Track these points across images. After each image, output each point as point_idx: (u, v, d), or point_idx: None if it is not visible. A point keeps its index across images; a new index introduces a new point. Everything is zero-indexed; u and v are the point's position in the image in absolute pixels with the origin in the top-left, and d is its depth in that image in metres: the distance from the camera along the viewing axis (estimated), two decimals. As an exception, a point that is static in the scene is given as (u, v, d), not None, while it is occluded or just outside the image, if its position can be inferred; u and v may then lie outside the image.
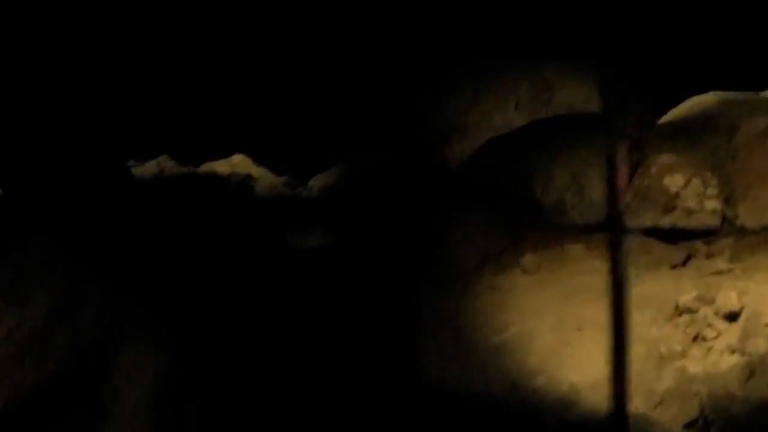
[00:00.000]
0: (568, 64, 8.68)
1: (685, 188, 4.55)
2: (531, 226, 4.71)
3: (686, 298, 3.78)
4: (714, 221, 4.54)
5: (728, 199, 4.55)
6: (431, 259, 4.47)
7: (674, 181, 4.56)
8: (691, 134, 4.88)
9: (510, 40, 8.52)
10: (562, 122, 5.00)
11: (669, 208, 4.55)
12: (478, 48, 8.97)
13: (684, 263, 4.30)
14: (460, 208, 4.52)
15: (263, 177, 5.25)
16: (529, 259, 4.28)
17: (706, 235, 4.52)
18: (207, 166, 5.38)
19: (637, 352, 3.36)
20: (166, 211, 4.19)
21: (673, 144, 4.82)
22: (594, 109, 8.71)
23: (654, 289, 4.00)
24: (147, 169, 5.27)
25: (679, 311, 3.51)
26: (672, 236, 4.48)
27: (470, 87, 9.05)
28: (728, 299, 3.40)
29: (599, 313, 3.14)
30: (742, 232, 4.47)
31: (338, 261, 4.52)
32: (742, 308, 3.43)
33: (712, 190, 4.56)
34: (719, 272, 4.02)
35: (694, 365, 3.57)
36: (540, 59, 8.73)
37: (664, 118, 5.04)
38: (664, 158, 4.61)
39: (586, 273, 4.39)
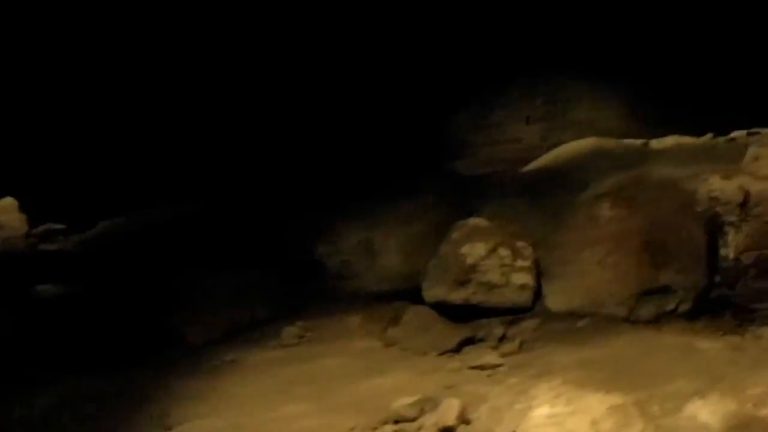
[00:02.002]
0: (585, 81, 8.69)
1: (488, 259, 4.04)
2: (310, 292, 3.84)
3: (405, 402, 3.00)
4: (521, 298, 4.04)
5: (543, 274, 4.05)
6: (164, 332, 3.62)
7: (474, 251, 4.07)
8: (535, 190, 4.53)
9: (528, 56, 8.43)
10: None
11: (463, 281, 4.05)
12: (493, 63, 8.94)
13: (458, 349, 3.77)
14: (207, 271, 3.75)
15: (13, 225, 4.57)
16: (289, 331, 3.47)
17: (514, 312, 4.01)
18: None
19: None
20: None
21: (500, 203, 4.48)
22: (609, 126, 8.49)
23: (394, 382, 3.43)
24: None
25: (392, 418, 2.61)
26: (467, 313, 4.01)
27: (482, 101, 9.26)
28: (449, 410, 2.54)
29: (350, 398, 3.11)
30: (547, 314, 3.98)
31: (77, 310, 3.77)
32: (460, 424, 2.51)
33: (523, 262, 4.05)
34: (484, 367, 3.46)
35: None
36: (556, 76, 8.79)
37: (528, 167, 4.56)
38: (471, 222, 4.18)
39: (352, 353, 3.89)
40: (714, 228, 3.65)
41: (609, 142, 4.29)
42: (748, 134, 4.35)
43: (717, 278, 3.67)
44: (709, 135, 4.35)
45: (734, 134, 4.40)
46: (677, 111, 8.21)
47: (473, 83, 9.54)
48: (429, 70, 9.04)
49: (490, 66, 9.33)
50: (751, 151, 3.66)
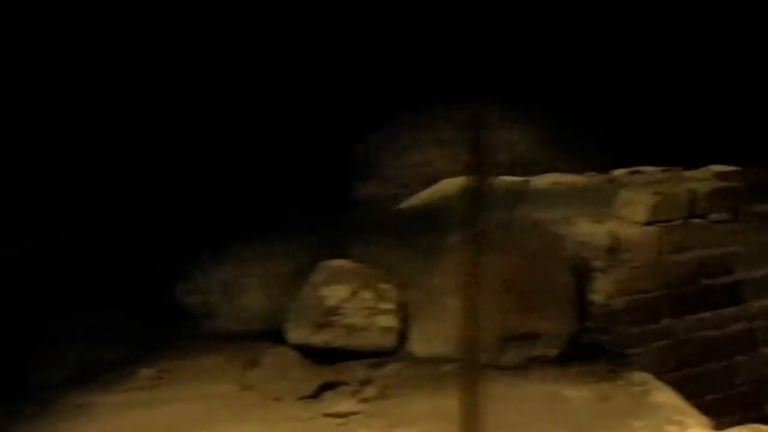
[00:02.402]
0: (498, 105, 8.83)
1: (350, 301, 3.90)
2: (170, 333, 3.64)
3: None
4: (386, 341, 3.88)
5: (410, 317, 3.93)
6: (12, 373, 3.91)
7: (335, 293, 3.92)
8: (408, 229, 4.40)
9: (440, 79, 8.54)
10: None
11: (323, 324, 3.89)
12: (404, 85, 9.02)
13: (316, 395, 3.60)
14: (65, 310, 3.56)
15: None
16: (145, 373, 3.28)
17: (379, 355, 3.87)
18: None
19: None
20: None
21: (371, 242, 4.31)
22: (520, 151, 8.45)
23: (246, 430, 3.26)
24: None
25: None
26: (331, 356, 3.87)
27: (393, 123, 9.58)
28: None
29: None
30: (411, 359, 3.85)
31: None
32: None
33: (387, 305, 3.90)
34: (339, 415, 3.35)
35: None
36: (469, 100, 8.51)
37: (406, 203, 4.51)
38: (333, 263, 4.04)
39: (208, 397, 3.70)
40: (583, 273, 3.57)
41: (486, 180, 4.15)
42: (631, 173, 4.28)
43: (588, 324, 3.56)
44: (590, 173, 4.27)
45: (617, 172, 4.34)
46: (590, 137, 8.30)
47: (384, 105, 9.48)
48: (335, 91, 8.92)
49: (402, 88, 9.29)
50: (623, 195, 3.60)
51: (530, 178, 4.38)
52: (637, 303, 3.53)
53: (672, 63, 7.44)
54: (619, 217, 3.55)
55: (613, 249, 3.47)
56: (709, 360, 3.71)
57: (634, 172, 4.30)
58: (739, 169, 3.82)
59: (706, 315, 3.68)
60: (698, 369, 3.67)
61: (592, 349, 3.56)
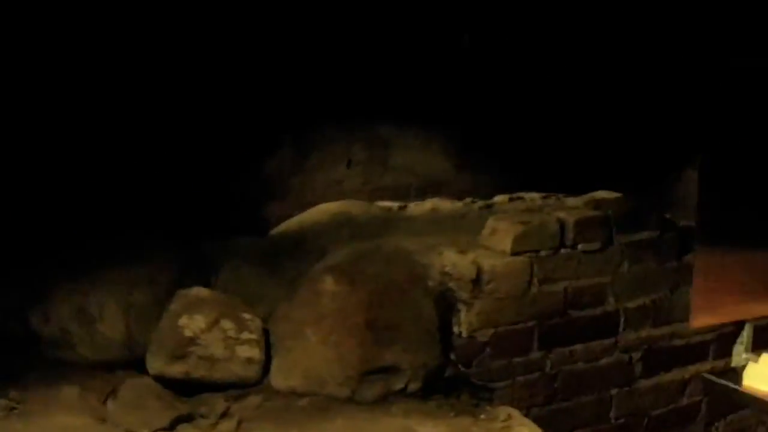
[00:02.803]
0: (408, 126, 8.20)
1: (209, 331, 3.77)
2: (27, 362, 3.48)
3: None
4: (248, 373, 3.78)
5: (273, 349, 3.83)
6: None
7: (193, 323, 3.79)
8: (276, 257, 4.27)
9: (349, 98, 7.61)
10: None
11: (181, 355, 3.75)
12: (311, 104, 7.98)
13: (171, 427, 3.50)
14: None
15: None
16: None
17: (241, 387, 3.77)
18: None
19: None
20: None
21: (238, 270, 4.20)
22: (430, 171, 8.48)
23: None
24: None
25: None
26: (191, 387, 3.75)
27: (300, 142, 8.35)
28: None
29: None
30: (270, 390, 3.75)
31: None
32: None
33: (250, 335, 3.80)
34: None
35: None
36: (378, 119, 8.11)
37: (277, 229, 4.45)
38: (193, 292, 3.92)
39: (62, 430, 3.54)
40: (447, 304, 3.45)
41: (361, 206, 4.05)
42: (510, 199, 4.15)
43: (453, 356, 3.43)
44: (468, 200, 4.14)
45: (496, 198, 4.22)
46: (499, 158, 8.24)
47: (290, 124, 9.34)
48: (237, 108, 8.71)
49: (309, 107, 9.15)
50: (489, 224, 3.49)
51: (410, 204, 4.24)
52: (504, 335, 3.42)
53: (572, 87, 7.36)
54: (486, 247, 3.41)
55: (478, 280, 3.33)
56: (581, 393, 3.61)
57: (514, 199, 4.17)
58: (615, 196, 3.70)
59: (577, 347, 3.57)
60: (569, 403, 3.58)
61: (456, 382, 3.48)
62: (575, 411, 3.77)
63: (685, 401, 4.01)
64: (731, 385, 3.30)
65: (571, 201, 4.08)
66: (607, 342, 3.79)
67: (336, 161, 10.41)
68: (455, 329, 3.55)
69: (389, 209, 4.27)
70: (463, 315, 3.54)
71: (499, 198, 4.42)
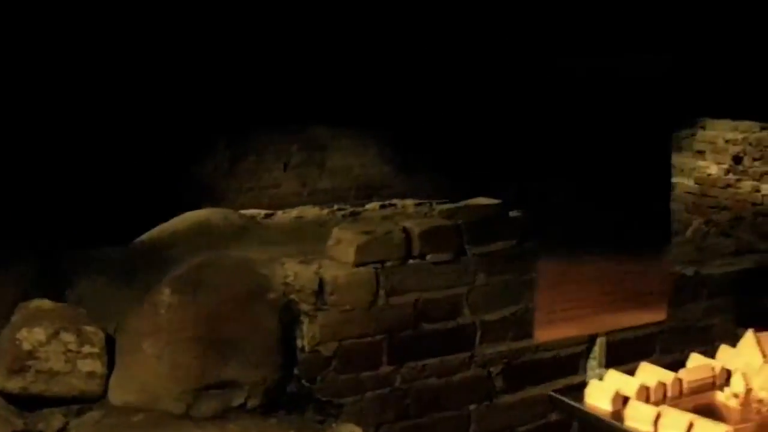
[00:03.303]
0: (344, 128, 8.93)
1: (48, 344, 3.64)
2: None
3: None
4: (90, 387, 3.65)
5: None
6: None
7: (32, 336, 3.64)
8: (132, 267, 4.09)
9: (284, 101, 8.49)
10: None
11: (19, 369, 3.61)
12: (247, 107, 8.92)
13: None
14: None
15: None
16: None
17: (84, 401, 3.66)
18: None
19: None
20: None
21: (92, 281, 4.03)
22: (366, 173, 8.34)
23: None
24: None
25: None
26: (32, 402, 3.61)
27: (237, 145, 9.40)
28: None
29: None
30: (108, 406, 3.63)
31: None
32: None
33: (92, 348, 3.67)
34: None
35: None
36: (315, 122, 8.92)
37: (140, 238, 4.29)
38: (33, 304, 3.78)
39: None
40: (291, 317, 3.29)
41: (223, 214, 3.91)
42: (381, 206, 4.02)
43: (296, 371, 3.28)
44: (335, 207, 4.00)
45: (368, 206, 4.09)
46: (435, 159, 8.26)
47: (226, 127, 9.28)
48: (173, 111, 8.64)
49: (245, 110, 9.09)
50: (334, 233, 3.35)
51: (277, 212, 4.10)
52: (350, 349, 3.30)
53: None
54: (332, 257, 3.26)
55: (321, 291, 3.18)
56: (436, 409, 3.45)
57: (384, 206, 4.03)
58: (493, 203, 3.55)
59: (430, 361, 3.42)
60: (423, 420, 3.46)
61: (301, 398, 3.31)
62: (430, 428, 3.66)
63: (554, 417, 3.87)
64: (572, 402, 3.15)
65: (447, 207, 3.93)
66: (462, 356, 3.68)
67: (272, 165, 10.37)
68: (298, 343, 3.39)
69: (253, 217, 4.13)
70: (305, 328, 3.43)
71: (370, 205, 4.29)
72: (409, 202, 4.47)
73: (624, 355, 4.06)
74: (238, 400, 3.58)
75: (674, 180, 9.60)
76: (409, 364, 3.78)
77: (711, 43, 9.16)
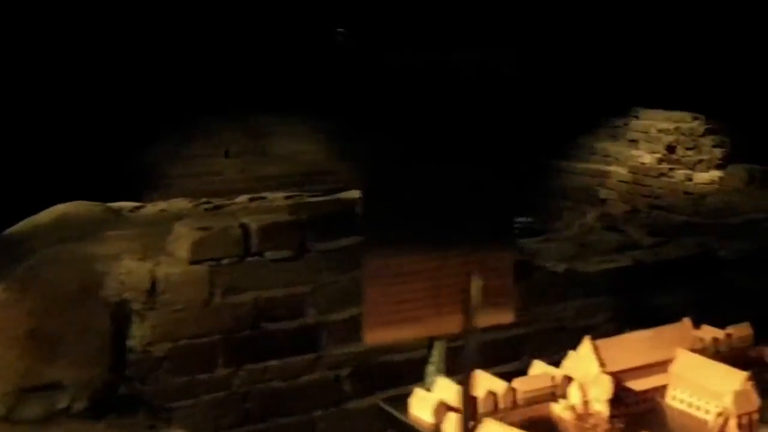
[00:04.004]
0: (287, 116, 8.84)
1: None
2: None
3: None
4: None
5: None
6: None
7: None
8: None
9: (228, 89, 8.41)
10: None
11: None
12: (191, 94, 8.75)
13: None
14: None
15: None
16: None
17: None
18: None
19: None
20: None
21: None
22: (309, 160, 8.20)
23: None
24: None
25: None
26: None
27: (180, 132, 9.24)
28: None
29: None
30: None
31: None
32: None
33: None
34: None
35: None
36: (257, 110, 8.81)
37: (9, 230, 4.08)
38: None
39: None
40: (122, 316, 3.09)
41: (88, 207, 3.75)
42: (251, 199, 3.80)
43: (127, 373, 3.08)
44: (203, 200, 3.79)
45: (238, 198, 3.89)
46: (379, 146, 8.00)
47: (169, 114, 9.10)
48: (117, 98, 8.49)
49: (188, 98, 8.91)
50: (175, 229, 3.12)
51: (147, 204, 3.89)
52: (183, 350, 3.16)
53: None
54: (167, 253, 3.06)
55: (153, 290, 2.99)
56: (279, 414, 3.28)
57: (255, 198, 3.82)
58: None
59: (272, 363, 3.23)
60: (265, 425, 3.28)
61: (131, 401, 3.09)
62: (274, 434, 3.44)
63: (406, 425, 3.65)
64: (396, 414, 2.95)
65: (316, 200, 3.74)
66: (307, 358, 3.52)
67: (215, 152, 10.25)
68: (129, 343, 3.21)
69: (118, 210, 3.92)
70: (136, 328, 3.22)
71: (241, 198, 4.07)
72: (279, 195, 4.27)
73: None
74: (62, 403, 3.51)
75: (608, 168, 9.46)
76: (248, 366, 3.65)
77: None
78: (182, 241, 3.62)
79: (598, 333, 4.48)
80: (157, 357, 3.56)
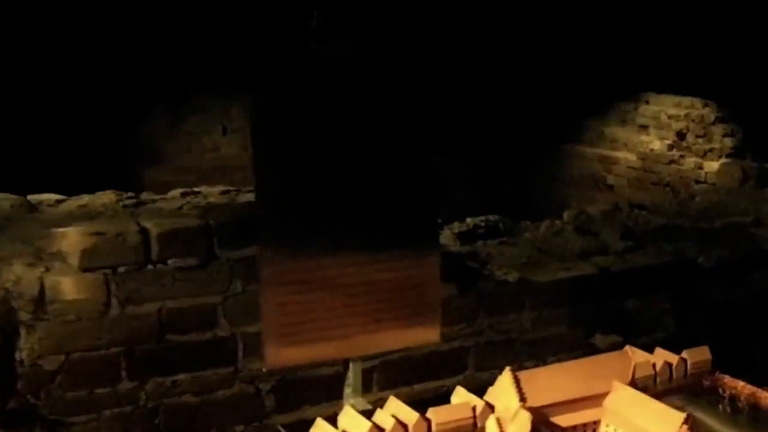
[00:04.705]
0: None
1: None
2: None
3: None
4: None
5: None
6: None
7: None
8: None
9: (224, 65, 8.04)
10: None
11: None
12: (185, 70, 8.59)
13: None
14: None
15: None
16: None
17: None
18: None
19: None
20: None
21: None
22: None
23: None
24: None
25: None
26: None
27: (176, 108, 9.10)
28: None
29: None
30: None
31: None
32: None
33: None
34: None
35: None
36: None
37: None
38: None
39: None
40: (11, 326, 2.75)
41: (7, 200, 3.41)
42: (182, 194, 3.47)
43: (19, 386, 2.76)
44: (130, 194, 3.45)
45: (169, 194, 3.52)
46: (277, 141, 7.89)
47: (165, 90, 8.87)
48: (112, 73, 8.29)
49: (184, 73, 8.67)
50: (67, 233, 2.79)
51: (70, 198, 3.57)
52: (79, 363, 2.86)
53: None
54: (63, 259, 2.71)
55: (41, 299, 2.64)
56: (193, 429, 2.95)
57: (188, 194, 3.48)
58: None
59: (182, 377, 2.93)
60: None
61: (24, 415, 2.76)
62: (188, 451, 3.11)
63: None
64: (292, 441, 2.61)
65: (223, 204, 3.37)
66: (223, 371, 3.14)
67: (212, 128, 9.96)
68: (17, 356, 2.87)
69: (37, 205, 3.58)
70: (24, 340, 2.87)
71: (172, 192, 3.71)
72: (215, 189, 3.90)
73: (408, 376, 3.51)
74: (-58, 419, 3.09)
75: (617, 154, 8.96)
76: (156, 380, 3.29)
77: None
78: (73, 247, 3.26)
79: (556, 346, 4.09)
80: (48, 370, 3.22)
